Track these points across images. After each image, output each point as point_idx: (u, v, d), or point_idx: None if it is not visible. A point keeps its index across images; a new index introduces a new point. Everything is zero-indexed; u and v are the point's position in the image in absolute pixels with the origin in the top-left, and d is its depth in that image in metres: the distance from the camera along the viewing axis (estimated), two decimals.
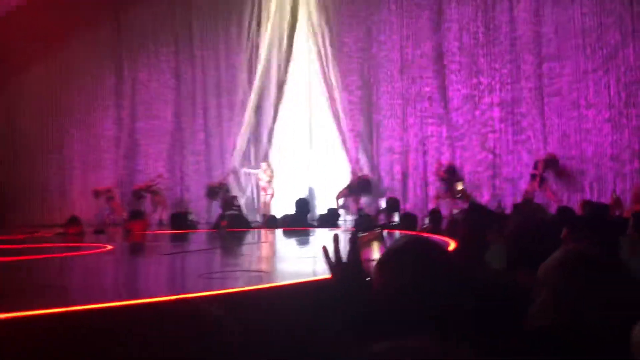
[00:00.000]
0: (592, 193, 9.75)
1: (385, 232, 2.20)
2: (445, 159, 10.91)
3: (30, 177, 15.82)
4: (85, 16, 14.47)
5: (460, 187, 7.50)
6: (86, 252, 4.17)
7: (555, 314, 1.56)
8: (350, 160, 11.96)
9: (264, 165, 12.64)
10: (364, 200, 11.35)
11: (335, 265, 1.74)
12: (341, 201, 11.16)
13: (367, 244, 1.76)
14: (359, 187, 11.28)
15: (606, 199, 8.73)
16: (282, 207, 11.49)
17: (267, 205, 12.43)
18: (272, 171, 12.60)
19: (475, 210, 4.85)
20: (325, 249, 1.74)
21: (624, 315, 1.42)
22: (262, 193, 12.68)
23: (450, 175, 10.38)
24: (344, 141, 12.09)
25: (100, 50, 15.00)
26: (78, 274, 3.17)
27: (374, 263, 1.68)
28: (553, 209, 8.06)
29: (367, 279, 1.69)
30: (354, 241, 1.74)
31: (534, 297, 1.66)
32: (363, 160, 11.96)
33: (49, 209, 15.46)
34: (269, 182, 12.49)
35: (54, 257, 3.98)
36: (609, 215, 5.87)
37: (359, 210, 10.61)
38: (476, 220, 4.09)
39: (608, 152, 9.79)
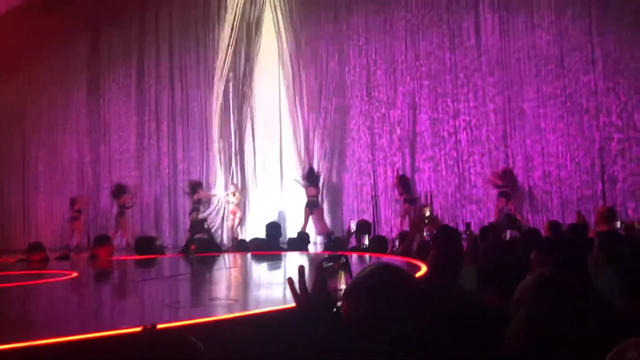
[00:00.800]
0: (557, 214, 9.96)
1: (352, 259, 2.20)
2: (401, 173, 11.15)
3: None
4: (60, 34, 14.29)
5: (427, 212, 7.53)
6: (51, 280, 4.06)
7: (529, 337, 1.59)
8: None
9: (232, 188, 12.55)
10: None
11: (301, 295, 1.74)
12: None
13: (333, 273, 1.76)
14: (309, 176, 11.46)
15: (571, 219, 8.91)
16: (252, 230, 11.43)
17: (234, 229, 12.32)
18: (240, 194, 12.53)
19: (446, 233, 4.88)
20: (290, 280, 1.74)
21: (594, 332, 1.49)
22: (230, 216, 12.57)
23: (404, 185, 10.69)
24: (310, 161, 12.11)
25: (70, 70, 14.80)
26: (42, 303, 3.07)
27: (341, 292, 1.69)
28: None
29: (334, 309, 1.69)
30: (319, 271, 1.75)
31: (508, 320, 1.69)
32: (333, 181, 12.01)
33: (11, 234, 15.09)
34: (237, 205, 12.42)
35: (16, 285, 3.86)
36: (581, 234, 5.98)
37: (329, 234, 10.59)
38: (447, 243, 4.13)
39: (571, 174, 10.04)
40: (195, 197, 12.35)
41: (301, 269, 1.74)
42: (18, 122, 15.31)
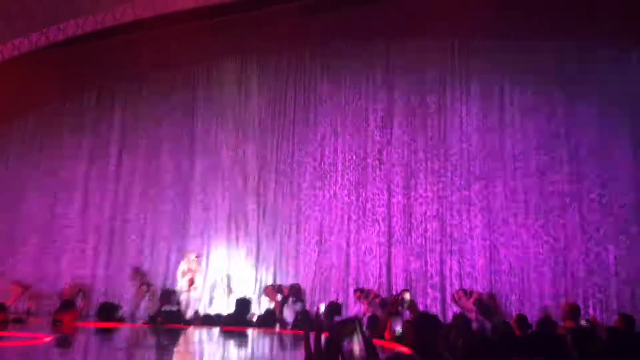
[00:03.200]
0: (520, 306, 10.10)
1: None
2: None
3: None
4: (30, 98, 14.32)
5: (407, 296, 7.63)
6: (25, 343, 3.91)
7: None
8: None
9: (191, 256, 12.10)
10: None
11: (314, 352, 1.78)
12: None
13: (348, 335, 1.81)
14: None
15: (534, 314, 9.10)
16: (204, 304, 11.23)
17: (190, 299, 11.82)
18: (198, 264, 12.05)
19: (424, 320, 4.93)
20: (306, 332, 1.79)
21: None
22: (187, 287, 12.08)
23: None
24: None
25: (40, 134, 14.76)
26: None
27: (356, 354, 1.74)
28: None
29: None
30: (333, 332, 1.80)
31: None
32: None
33: None
34: (194, 273, 11.85)
35: None
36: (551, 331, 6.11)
37: (297, 312, 10.44)
38: (426, 330, 4.18)
39: (534, 266, 10.29)
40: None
41: (307, 333, 1.79)
42: None
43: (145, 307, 11.70)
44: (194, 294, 11.88)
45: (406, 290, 9.51)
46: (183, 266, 11.88)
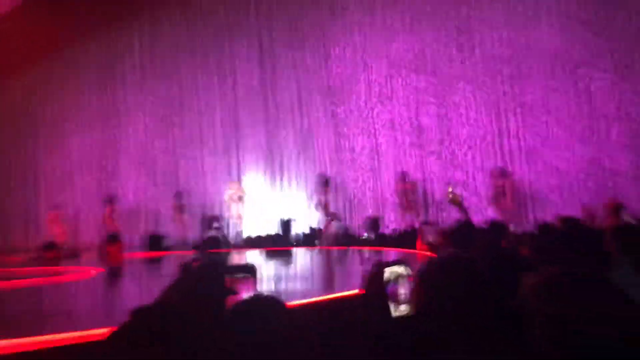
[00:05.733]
0: (563, 206, 10.00)
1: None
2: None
3: None
4: (74, 34, 14.30)
5: (450, 189, 7.59)
6: (74, 278, 4.07)
7: (558, 340, 1.51)
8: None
9: (235, 184, 12.47)
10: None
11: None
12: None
13: (396, 279, 1.78)
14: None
15: (576, 212, 8.99)
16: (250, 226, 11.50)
17: (237, 224, 12.24)
18: (242, 190, 12.43)
19: (460, 229, 4.92)
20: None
21: (623, 330, 1.42)
22: (233, 211, 12.52)
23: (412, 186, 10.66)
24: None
25: (81, 72, 14.83)
26: (81, 298, 3.10)
27: (403, 296, 1.72)
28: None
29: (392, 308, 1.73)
30: (376, 271, 1.78)
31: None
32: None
33: (11, 232, 15.08)
34: (239, 200, 12.25)
35: (46, 283, 3.88)
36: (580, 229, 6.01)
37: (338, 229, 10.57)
38: (463, 239, 4.17)
39: (576, 166, 10.08)
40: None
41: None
42: (25, 121, 15.33)
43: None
44: (238, 219, 12.29)
45: (448, 183, 9.40)
46: (229, 193, 12.25)
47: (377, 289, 1.75)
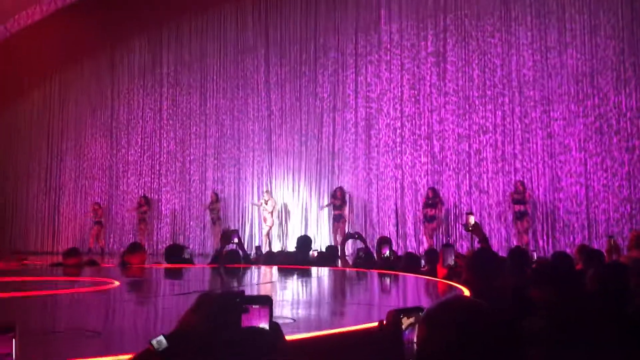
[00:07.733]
0: (583, 237, 9.88)
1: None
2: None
3: (16, 201, 15.68)
4: (84, 46, 14.55)
5: (471, 219, 7.52)
6: (95, 289, 4.13)
7: None
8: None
9: (266, 195, 12.69)
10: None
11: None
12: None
13: (412, 326, 1.75)
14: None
15: (599, 244, 8.85)
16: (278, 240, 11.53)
17: (267, 235, 12.53)
18: (274, 201, 12.67)
19: (481, 255, 4.87)
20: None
21: None
22: (263, 224, 12.77)
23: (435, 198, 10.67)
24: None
25: (96, 80, 15.07)
26: (99, 314, 3.14)
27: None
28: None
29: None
30: (394, 323, 1.76)
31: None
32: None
33: (35, 235, 15.29)
34: (271, 212, 12.56)
35: (64, 293, 3.93)
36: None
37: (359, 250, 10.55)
38: (484, 267, 4.11)
39: (600, 196, 9.96)
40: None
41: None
42: (45, 127, 15.60)
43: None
44: (268, 229, 12.50)
45: (470, 213, 9.37)
46: (261, 205, 12.50)
47: (393, 337, 1.74)
